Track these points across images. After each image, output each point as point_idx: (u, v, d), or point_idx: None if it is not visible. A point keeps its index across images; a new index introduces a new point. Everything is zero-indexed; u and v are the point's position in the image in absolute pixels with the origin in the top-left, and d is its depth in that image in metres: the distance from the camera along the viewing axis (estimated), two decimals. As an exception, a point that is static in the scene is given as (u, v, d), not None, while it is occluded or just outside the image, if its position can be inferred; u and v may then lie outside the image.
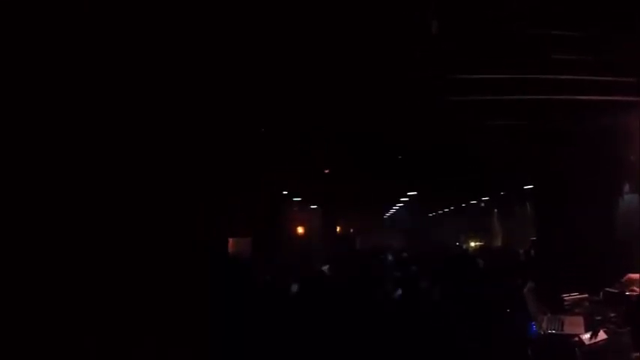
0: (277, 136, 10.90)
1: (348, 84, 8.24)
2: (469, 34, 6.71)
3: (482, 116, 9.87)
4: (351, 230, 39.53)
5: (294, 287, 9.72)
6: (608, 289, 7.29)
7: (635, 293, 6.79)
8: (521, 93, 8.61)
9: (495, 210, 28.93)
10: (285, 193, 19.85)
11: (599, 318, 6.25)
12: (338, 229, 36.19)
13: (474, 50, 7.11)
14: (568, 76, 7.89)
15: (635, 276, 7.07)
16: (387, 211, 38.86)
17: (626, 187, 12.65)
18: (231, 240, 15.81)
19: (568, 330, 6.09)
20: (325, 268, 17.22)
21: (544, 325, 6.29)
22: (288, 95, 8.84)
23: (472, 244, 32.58)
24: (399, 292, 9.77)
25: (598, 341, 5.63)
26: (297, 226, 27.36)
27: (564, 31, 6.71)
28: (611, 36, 6.82)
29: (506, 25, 6.51)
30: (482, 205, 30.27)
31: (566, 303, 7.22)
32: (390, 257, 20.53)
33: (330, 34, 6.44)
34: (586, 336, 5.72)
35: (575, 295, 7.41)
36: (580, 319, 6.39)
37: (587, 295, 7.51)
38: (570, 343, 5.71)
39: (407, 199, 28.34)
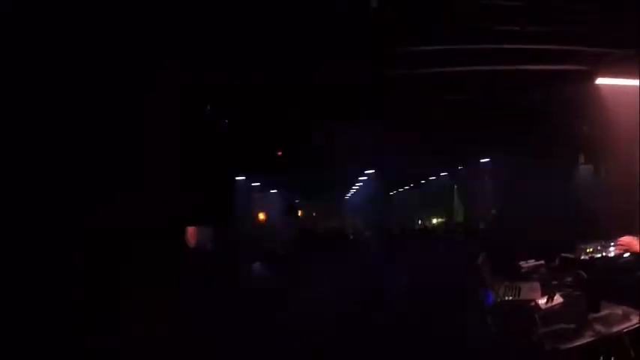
0: (231, 119, 10.78)
1: (292, 65, 8.16)
2: (411, 6, 6.68)
3: (432, 90, 9.84)
4: (314, 214, 39.56)
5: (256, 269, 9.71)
6: (564, 254, 7.36)
7: (589, 257, 6.87)
8: (471, 64, 8.62)
9: (455, 186, 29.13)
10: (243, 178, 19.68)
11: (555, 283, 6.29)
12: (299, 212, 36.16)
13: (417, 22, 7.08)
14: (517, 45, 7.91)
15: (624, 239, 7.17)
16: (347, 192, 38.91)
17: (581, 158, 12.84)
18: (191, 229, 15.65)
19: (525, 296, 6.12)
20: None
21: (501, 292, 6.32)
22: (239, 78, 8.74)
23: (434, 220, 32.87)
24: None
25: (554, 305, 5.66)
26: (258, 212, 27.26)
27: (511, 1, 6.73)
28: (560, 5, 6.84)
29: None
30: (441, 181, 30.46)
31: (522, 270, 7.26)
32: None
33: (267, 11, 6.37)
34: (542, 300, 5.75)
35: (532, 262, 7.47)
36: (537, 285, 6.44)
37: (543, 262, 7.57)
38: (527, 308, 5.74)
39: (365, 177, 28.38)
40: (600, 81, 9.19)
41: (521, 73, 9.08)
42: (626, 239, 5.85)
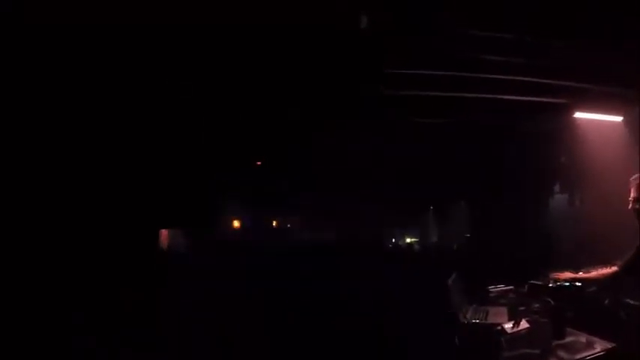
0: (209, 127, 10.82)
1: (280, 78, 8.24)
2: (400, 31, 6.79)
3: (413, 113, 9.96)
4: (288, 225, 39.49)
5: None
6: (532, 281, 7.50)
7: (557, 285, 7.00)
8: (453, 91, 8.75)
9: (431, 207, 29.29)
10: (220, 185, 19.66)
11: (522, 308, 6.41)
12: (274, 223, 36.09)
13: (403, 46, 7.20)
14: (499, 76, 8.07)
15: (562, 275, 7.30)
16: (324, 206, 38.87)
17: (557, 187, 13.02)
18: (165, 231, 15.63)
19: (492, 320, 6.24)
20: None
21: (469, 315, 6.43)
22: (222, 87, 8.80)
23: (407, 240, 32.99)
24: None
25: (520, 330, 5.78)
26: (233, 219, 27.22)
27: (497, 33, 6.88)
28: (544, 40, 7.00)
29: (439, 23, 6.62)
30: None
31: (491, 294, 7.40)
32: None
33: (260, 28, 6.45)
34: (508, 325, 5.87)
35: (501, 287, 7.60)
36: (504, 310, 6.57)
37: (512, 287, 7.70)
38: (493, 331, 5.85)
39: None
40: (579, 115, 9.40)
41: (504, 103, 9.24)
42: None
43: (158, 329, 6.57)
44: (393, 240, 34.60)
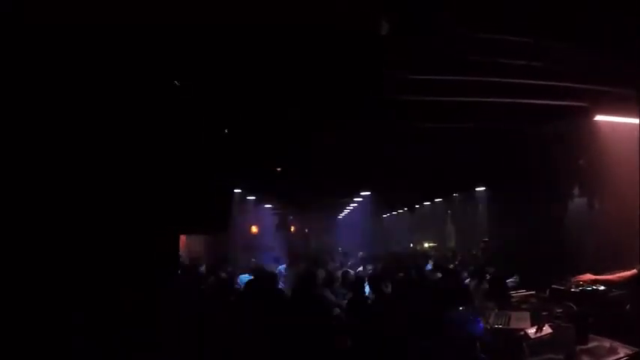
0: (231, 133, 10.86)
1: (299, 82, 8.26)
2: (418, 35, 6.80)
3: (434, 117, 9.94)
4: (306, 230, 39.53)
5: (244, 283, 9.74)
6: (554, 285, 7.48)
7: (579, 290, 6.98)
8: (475, 96, 8.73)
9: (449, 211, 29.21)
10: (238, 191, 19.73)
11: (545, 313, 6.39)
12: (292, 228, 36.18)
13: (422, 51, 7.20)
14: (517, 80, 8.05)
15: (583, 277, 7.28)
16: (341, 212, 38.98)
17: (576, 191, 12.95)
18: (183, 237, 15.69)
19: (514, 325, 6.23)
20: (281, 267, 17.26)
21: (491, 320, 6.42)
22: (242, 93, 8.84)
23: (425, 245, 32.89)
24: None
25: (543, 335, 5.78)
26: (251, 224, 27.29)
27: (515, 37, 6.86)
28: (562, 43, 6.98)
29: (454, 27, 6.62)
30: (436, 206, 30.53)
31: (513, 299, 7.39)
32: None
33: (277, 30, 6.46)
34: (531, 330, 5.86)
35: (523, 292, 7.59)
36: (526, 315, 6.55)
37: (534, 292, 7.69)
38: (516, 337, 5.84)
39: (360, 199, 28.43)
40: (599, 118, 9.35)
41: (523, 106, 9.21)
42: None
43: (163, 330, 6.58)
44: (411, 245, 34.52)
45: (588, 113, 9.29)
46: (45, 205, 5.76)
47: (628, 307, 6.72)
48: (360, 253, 25.72)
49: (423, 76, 7.95)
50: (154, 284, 6.62)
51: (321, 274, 11.37)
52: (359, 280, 9.92)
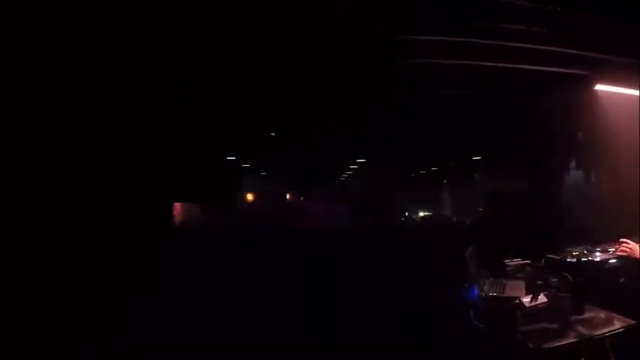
0: (224, 99, 10.73)
1: (297, 45, 8.11)
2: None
3: (431, 82, 9.78)
4: (301, 198, 39.50)
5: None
6: (550, 255, 7.43)
7: (575, 260, 6.93)
8: (472, 59, 8.57)
9: (444, 180, 29.19)
10: (232, 159, 19.60)
11: (540, 282, 6.36)
12: (288, 196, 36.11)
13: (425, 13, 7.05)
14: (518, 44, 7.90)
15: (579, 249, 7.25)
16: (337, 179, 38.87)
17: (573, 163, 12.89)
18: (179, 205, 15.64)
19: (509, 293, 6.17)
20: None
21: (485, 288, 6.36)
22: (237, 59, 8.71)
23: (421, 213, 32.92)
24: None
25: (538, 304, 5.74)
26: (247, 192, 27.21)
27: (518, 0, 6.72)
28: (565, 9, 6.84)
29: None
30: (432, 175, 30.49)
31: (508, 268, 7.32)
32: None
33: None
34: (526, 299, 5.82)
35: (518, 261, 7.53)
36: (521, 283, 6.49)
37: (529, 261, 7.63)
38: (511, 305, 5.79)
39: (356, 166, 28.36)
40: (599, 87, 9.19)
41: (522, 73, 9.05)
42: (628, 245, 5.85)
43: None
44: (406, 214, 34.54)
45: (589, 82, 9.12)
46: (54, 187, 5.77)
47: (623, 279, 6.67)
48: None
49: (422, 36, 7.79)
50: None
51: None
52: None
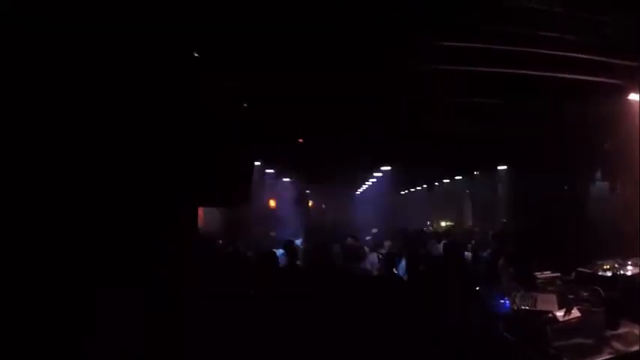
0: (251, 104, 10.69)
1: (323, 47, 8.01)
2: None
3: (458, 89, 9.61)
4: (323, 206, 39.42)
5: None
6: (580, 269, 7.31)
7: (607, 274, 6.82)
8: (501, 67, 8.41)
9: (467, 190, 28.99)
10: (257, 163, 19.55)
11: (571, 296, 6.24)
12: (310, 203, 36.05)
13: (452, 18, 6.94)
14: (550, 51, 7.74)
15: (609, 263, 7.15)
16: (359, 188, 38.82)
17: (598, 175, 12.71)
18: (201, 212, 15.59)
19: (541, 307, 6.05)
20: (297, 241, 17.14)
21: (517, 301, 6.24)
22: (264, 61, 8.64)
23: (442, 224, 32.70)
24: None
25: (571, 318, 5.62)
26: (269, 198, 27.14)
27: (552, 7, 6.61)
28: (600, 16, 6.73)
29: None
30: (455, 184, 30.30)
31: (538, 281, 7.20)
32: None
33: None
34: (559, 313, 5.70)
35: (548, 274, 7.40)
36: (553, 297, 6.35)
37: (559, 274, 7.50)
38: (543, 319, 5.68)
39: (380, 174, 28.20)
40: (633, 97, 8.99)
41: (552, 81, 8.87)
42: None
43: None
44: (428, 223, 34.33)
45: (623, 92, 8.94)
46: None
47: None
48: (374, 230, 25.51)
49: (450, 42, 7.67)
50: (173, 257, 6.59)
51: (337, 248, 11.20)
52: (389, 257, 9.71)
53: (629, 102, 9.10)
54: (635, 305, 5.91)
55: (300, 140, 15.61)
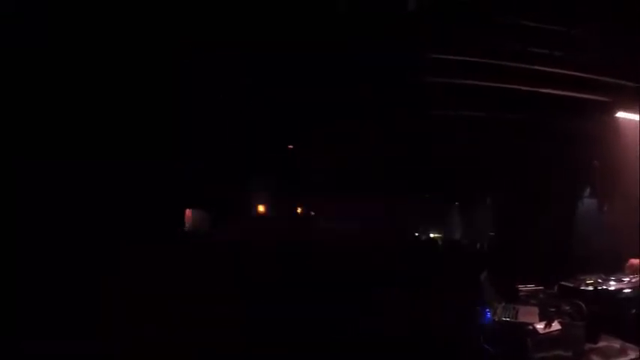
0: (243, 107, 10.72)
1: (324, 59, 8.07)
2: (448, 15, 6.62)
3: (447, 102, 9.66)
4: (312, 213, 39.36)
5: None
6: (563, 282, 7.35)
7: (589, 289, 6.86)
8: (491, 81, 8.47)
9: (456, 202, 29.05)
10: (247, 169, 19.51)
11: (553, 309, 6.26)
12: (299, 210, 35.96)
13: (450, 31, 7.01)
14: (540, 67, 7.82)
15: (592, 278, 7.19)
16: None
17: (586, 191, 12.78)
18: (188, 211, 15.56)
19: (522, 319, 6.08)
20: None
21: (498, 312, 6.27)
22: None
23: (431, 235, 32.71)
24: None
25: (552, 331, 5.65)
26: (259, 203, 27.07)
27: (544, 25, 6.68)
28: (591, 34, 6.80)
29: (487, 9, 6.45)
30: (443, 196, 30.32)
31: (521, 293, 7.24)
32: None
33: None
34: (540, 325, 5.73)
35: (531, 287, 7.44)
36: (535, 309, 6.40)
37: (542, 288, 7.54)
38: (524, 331, 5.70)
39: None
40: (620, 114, 9.08)
41: (541, 98, 8.94)
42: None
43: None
44: (416, 234, 34.32)
45: (611, 109, 9.01)
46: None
47: (634, 310, 6.58)
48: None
49: (449, 56, 7.74)
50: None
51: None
52: None
53: (618, 119, 9.20)
54: (615, 320, 5.98)
55: (290, 147, 15.64)
